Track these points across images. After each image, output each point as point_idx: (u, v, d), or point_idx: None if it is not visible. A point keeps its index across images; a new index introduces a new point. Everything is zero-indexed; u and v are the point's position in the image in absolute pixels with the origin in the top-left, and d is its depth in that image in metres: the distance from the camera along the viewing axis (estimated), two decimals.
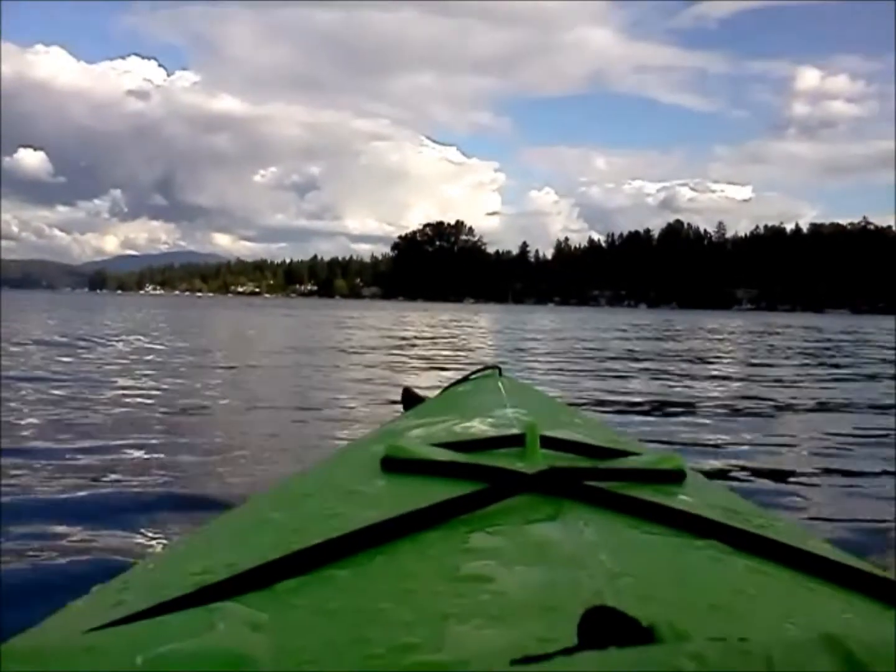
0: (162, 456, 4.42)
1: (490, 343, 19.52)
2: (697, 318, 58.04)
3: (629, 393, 8.49)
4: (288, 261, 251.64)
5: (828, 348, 19.81)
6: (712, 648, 0.29)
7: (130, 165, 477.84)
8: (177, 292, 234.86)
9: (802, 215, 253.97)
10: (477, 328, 28.73)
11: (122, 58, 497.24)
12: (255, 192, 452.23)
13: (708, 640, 0.34)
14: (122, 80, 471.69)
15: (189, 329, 21.18)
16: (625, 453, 1.05)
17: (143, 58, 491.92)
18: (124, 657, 0.45)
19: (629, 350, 16.70)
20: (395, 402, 2.47)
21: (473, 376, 2.19)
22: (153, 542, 2.86)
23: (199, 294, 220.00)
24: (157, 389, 7.55)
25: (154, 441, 4.85)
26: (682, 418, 6.67)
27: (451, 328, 24.97)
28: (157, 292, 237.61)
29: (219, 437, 5.15)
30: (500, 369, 2.20)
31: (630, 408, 7.25)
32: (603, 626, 0.42)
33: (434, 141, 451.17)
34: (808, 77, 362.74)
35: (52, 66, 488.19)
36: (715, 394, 8.73)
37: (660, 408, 7.32)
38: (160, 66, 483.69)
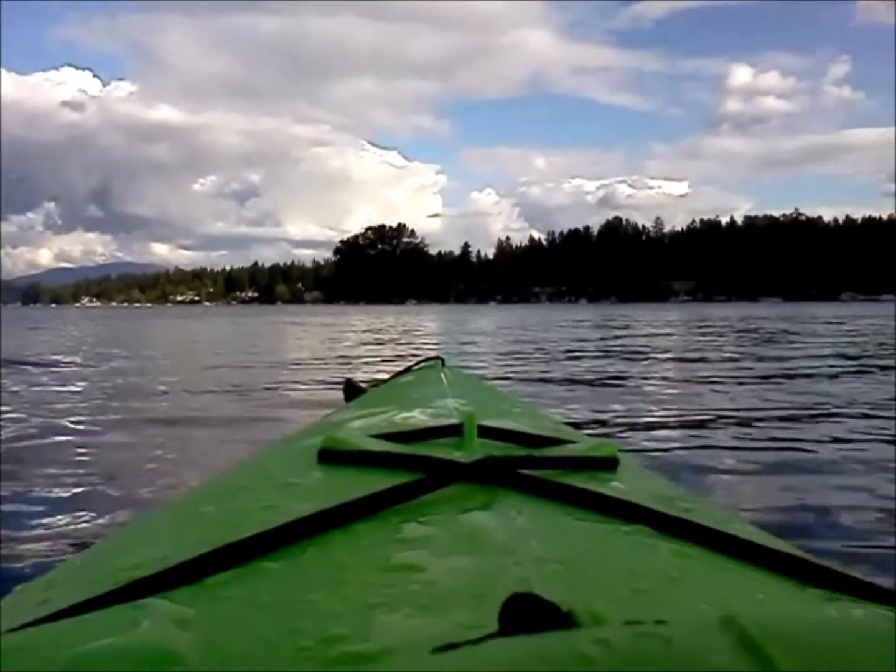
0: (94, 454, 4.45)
1: (427, 343, 19.46)
2: (636, 311, 59.02)
3: (571, 380, 8.65)
4: (228, 268, 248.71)
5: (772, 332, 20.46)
6: (618, 634, 0.30)
7: (65, 177, 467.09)
8: (114, 304, 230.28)
9: (737, 208, 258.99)
10: (416, 328, 28.70)
11: (56, 69, 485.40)
12: (195, 200, 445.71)
13: (622, 624, 0.35)
14: (56, 91, 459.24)
15: (127, 343, 20.36)
16: (561, 441, 1.06)
17: (77, 68, 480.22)
18: (47, 656, 0.44)
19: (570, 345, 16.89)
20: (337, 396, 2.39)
21: (416, 367, 2.20)
22: (81, 542, 2.83)
23: (138, 305, 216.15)
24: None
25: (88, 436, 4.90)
26: (624, 404, 6.80)
27: (390, 332, 24.88)
28: (94, 304, 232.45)
29: (159, 438, 5.16)
30: (442, 360, 2.21)
31: (571, 392, 7.42)
32: (524, 613, 0.43)
33: (375, 145, 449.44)
34: (741, 74, 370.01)
35: None
36: (652, 378, 9.05)
37: (602, 393, 7.53)
38: (95, 76, 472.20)
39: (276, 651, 0.48)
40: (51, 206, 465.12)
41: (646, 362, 11.48)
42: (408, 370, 2.20)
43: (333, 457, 0.94)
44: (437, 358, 2.24)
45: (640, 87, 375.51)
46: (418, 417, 1.28)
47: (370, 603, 0.55)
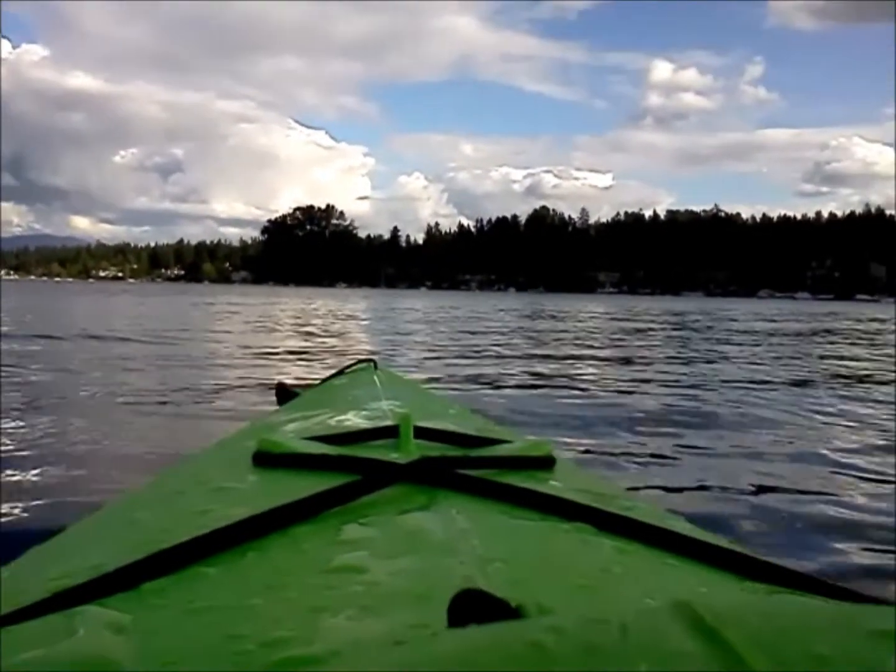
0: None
1: (367, 330, 19.42)
2: (566, 301, 60.42)
3: (507, 376, 8.40)
4: (153, 244, 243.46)
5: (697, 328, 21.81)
6: (571, 621, 0.29)
7: None
8: (32, 277, 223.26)
9: (660, 202, 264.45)
10: (352, 313, 28.76)
11: None
12: (116, 173, 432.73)
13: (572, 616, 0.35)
14: None
15: (52, 316, 19.46)
16: (497, 441, 1.07)
17: None
18: None
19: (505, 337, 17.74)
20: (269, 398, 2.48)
21: (349, 370, 2.20)
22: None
23: (58, 279, 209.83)
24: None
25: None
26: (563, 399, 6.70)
27: (328, 317, 24.82)
28: (12, 277, 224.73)
29: (81, 437, 4.47)
30: (375, 362, 2.23)
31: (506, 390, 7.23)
32: (472, 609, 0.42)
33: (302, 124, 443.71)
34: (662, 69, 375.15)
35: None
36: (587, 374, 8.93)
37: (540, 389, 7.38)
38: (4, 37, 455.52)
39: (216, 656, 0.47)
40: None
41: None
42: (340, 372, 2.20)
43: (269, 460, 0.93)
44: (369, 360, 2.25)
45: (566, 78, 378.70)
46: (353, 420, 1.28)
47: (312, 606, 0.54)
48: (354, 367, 2.22)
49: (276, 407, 2.02)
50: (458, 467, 0.84)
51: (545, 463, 0.96)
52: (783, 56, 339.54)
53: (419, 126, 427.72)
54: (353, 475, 0.80)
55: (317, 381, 2.26)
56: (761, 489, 3.57)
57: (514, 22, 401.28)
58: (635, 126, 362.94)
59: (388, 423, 1.13)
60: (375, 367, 2.19)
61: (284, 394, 2.13)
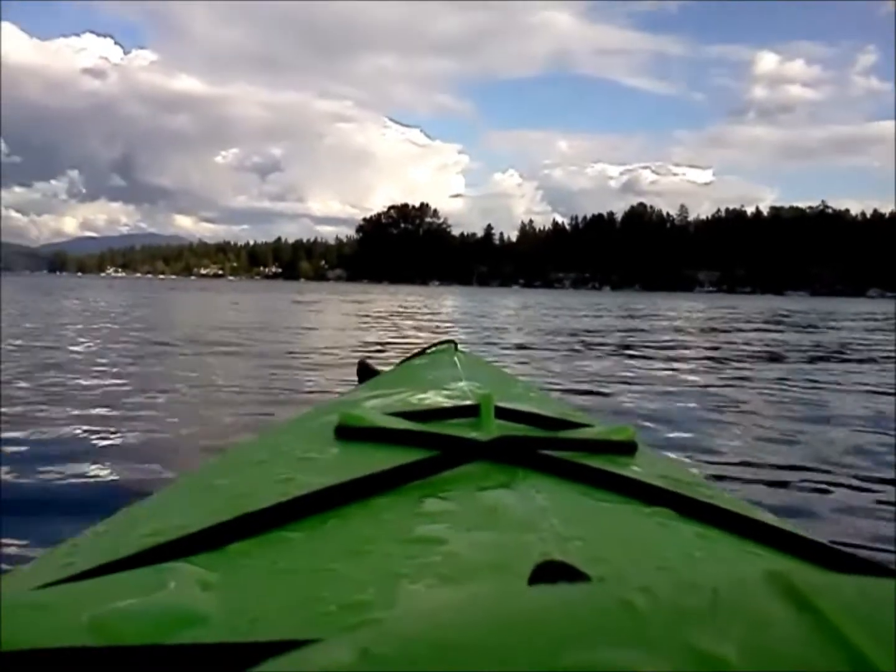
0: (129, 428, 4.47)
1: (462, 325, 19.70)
2: (666, 300, 58.88)
3: (594, 373, 8.32)
4: (251, 243, 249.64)
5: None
6: (662, 583, 0.29)
7: (87, 146, 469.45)
8: (138, 275, 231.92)
9: (762, 199, 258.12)
10: (447, 311, 28.85)
11: (77, 35, 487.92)
12: (217, 173, 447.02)
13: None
14: (78, 57, 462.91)
15: (179, 314, 20.97)
16: (578, 425, 1.06)
17: (98, 35, 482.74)
18: (71, 614, 0.44)
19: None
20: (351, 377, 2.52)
21: (430, 350, 2.19)
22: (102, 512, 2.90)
23: (162, 276, 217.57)
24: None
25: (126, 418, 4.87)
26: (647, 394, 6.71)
27: (423, 310, 25.18)
28: (119, 275, 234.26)
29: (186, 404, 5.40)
30: (455, 344, 2.22)
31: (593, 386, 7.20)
32: (553, 579, 0.42)
33: (397, 122, 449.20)
34: (766, 61, 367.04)
35: (3, 43, 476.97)
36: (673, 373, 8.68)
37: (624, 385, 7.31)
38: (116, 43, 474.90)
39: (298, 615, 0.49)
40: (74, 174, 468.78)
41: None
42: (421, 353, 2.18)
43: (351, 433, 0.94)
44: (450, 342, 2.24)
45: (664, 72, 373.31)
46: (433, 398, 1.28)
47: (393, 573, 0.55)
48: (435, 349, 2.20)
49: (357, 384, 2.03)
50: (539, 447, 0.84)
51: (627, 448, 0.95)
52: None
53: (514, 123, 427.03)
54: (434, 451, 0.80)
55: (398, 361, 2.21)
56: None
57: (611, 16, 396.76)
58: (737, 120, 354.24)
59: (469, 402, 1.13)
60: (456, 348, 2.17)
61: (366, 372, 2.18)
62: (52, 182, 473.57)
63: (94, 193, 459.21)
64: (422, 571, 0.55)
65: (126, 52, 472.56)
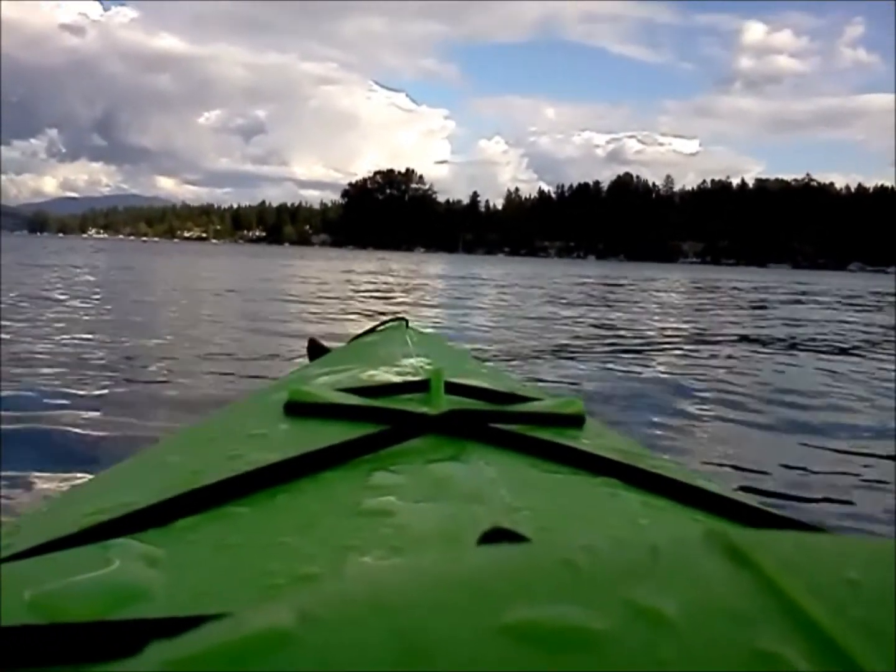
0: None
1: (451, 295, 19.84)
2: (649, 271, 58.94)
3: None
4: (235, 206, 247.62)
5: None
6: (603, 543, 0.29)
7: (67, 104, 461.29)
8: (121, 236, 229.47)
9: (748, 170, 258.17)
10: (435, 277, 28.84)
11: None
12: (199, 134, 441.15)
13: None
14: (56, 13, 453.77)
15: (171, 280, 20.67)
16: (527, 399, 1.08)
17: None
18: (12, 593, 0.44)
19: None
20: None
21: (380, 328, 2.20)
22: (48, 489, 2.87)
23: (145, 238, 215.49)
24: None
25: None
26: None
27: (414, 277, 25.12)
28: (101, 236, 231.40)
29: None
30: (406, 321, 2.22)
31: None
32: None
33: (383, 86, 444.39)
34: (754, 31, 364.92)
35: None
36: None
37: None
38: None
39: (246, 589, 0.48)
40: (53, 133, 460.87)
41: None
42: (371, 330, 2.18)
43: (300, 409, 0.94)
44: (401, 318, 2.24)
45: (652, 40, 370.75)
46: (383, 374, 1.28)
47: (342, 545, 0.56)
48: (385, 326, 2.20)
49: (308, 362, 2.02)
50: (488, 421, 0.85)
51: (575, 421, 0.97)
52: (885, 17, 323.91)
53: (500, 89, 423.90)
54: (383, 426, 0.81)
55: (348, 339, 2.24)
56: None
57: None
58: (724, 90, 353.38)
59: (419, 378, 1.13)
60: (407, 325, 2.17)
61: (316, 349, 2.16)
62: (32, 141, 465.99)
63: (74, 153, 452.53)
64: (371, 543, 0.56)
65: (106, 9, 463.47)
